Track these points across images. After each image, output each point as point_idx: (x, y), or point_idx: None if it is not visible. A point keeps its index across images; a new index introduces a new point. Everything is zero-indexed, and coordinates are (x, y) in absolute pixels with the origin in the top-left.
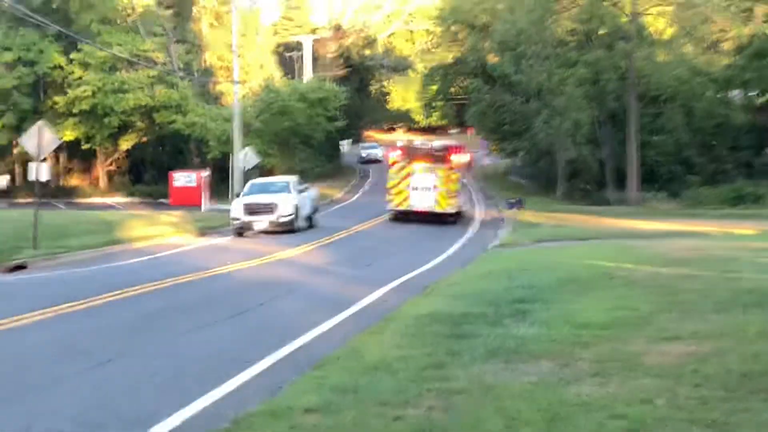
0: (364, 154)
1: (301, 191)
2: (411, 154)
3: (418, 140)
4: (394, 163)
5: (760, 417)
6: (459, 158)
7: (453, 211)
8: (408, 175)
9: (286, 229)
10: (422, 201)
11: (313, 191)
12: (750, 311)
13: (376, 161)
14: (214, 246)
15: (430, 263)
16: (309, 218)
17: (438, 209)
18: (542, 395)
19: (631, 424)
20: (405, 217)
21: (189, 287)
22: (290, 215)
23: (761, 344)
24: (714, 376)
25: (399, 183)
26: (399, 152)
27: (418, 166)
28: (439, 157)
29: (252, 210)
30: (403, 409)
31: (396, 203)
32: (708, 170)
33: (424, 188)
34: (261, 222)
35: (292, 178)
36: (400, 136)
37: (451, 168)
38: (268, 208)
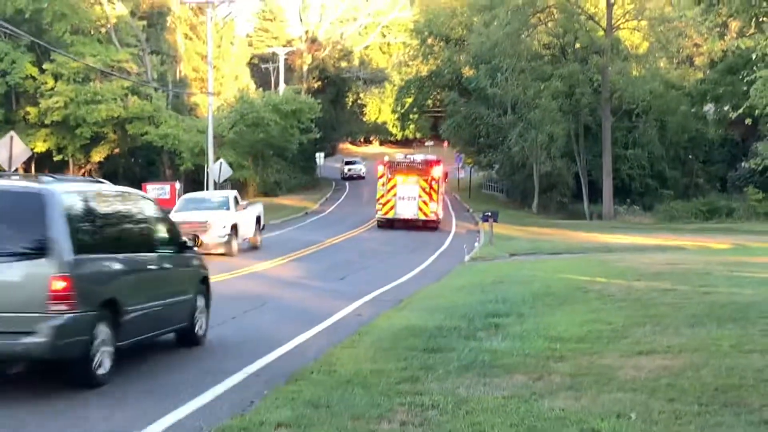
0: (345, 170)
1: (242, 208)
2: (396, 167)
3: (401, 155)
4: (381, 176)
5: (733, 431)
6: (438, 171)
7: (434, 218)
8: (394, 186)
9: (222, 252)
10: (407, 209)
11: (257, 208)
12: (724, 325)
13: (359, 178)
14: None
15: (405, 276)
16: (253, 239)
17: (421, 216)
18: (516, 409)
19: None
20: (390, 224)
21: None
22: (225, 236)
23: (735, 358)
24: (688, 390)
25: (386, 194)
26: (386, 166)
27: (402, 178)
28: (421, 169)
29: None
30: (376, 423)
31: (383, 212)
32: (681, 184)
33: (408, 198)
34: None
35: (232, 193)
36: (376, 149)
37: (432, 179)
38: (200, 228)
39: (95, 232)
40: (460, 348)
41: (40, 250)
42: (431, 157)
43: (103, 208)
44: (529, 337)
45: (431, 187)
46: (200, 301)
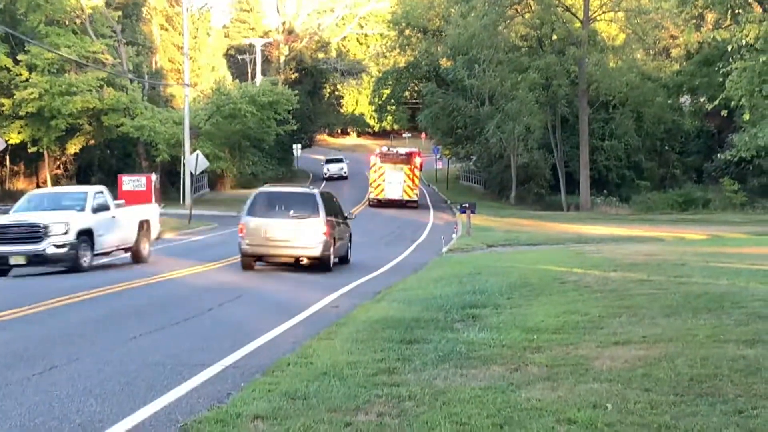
0: (326, 170)
1: (102, 209)
2: (385, 157)
3: (385, 147)
4: (373, 165)
5: (708, 420)
6: (417, 160)
7: (415, 198)
8: (383, 173)
9: (65, 266)
10: (394, 192)
11: (145, 211)
12: (699, 315)
13: (340, 178)
14: (163, 250)
15: (383, 268)
16: (135, 251)
17: (405, 197)
18: (493, 400)
19: (581, 429)
20: (381, 204)
21: (137, 292)
22: (67, 244)
23: (710, 348)
24: (663, 380)
25: (377, 179)
26: (377, 157)
27: (390, 166)
28: (404, 159)
29: (5, 236)
30: (353, 415)
31: (375, 194)
32: (657, 175)
33: (395, 182)
34: (18, 254)
35: (94, 189)
36: (354, 140)
37: (414, 167)
38: (33, 233)
39: (330, 208)
40: (437, 339)
41: (315, 214)
42: (413, 149)
43: (329, 198)
44: (506, 328)
45: (413, 173)
46: (349, 244)
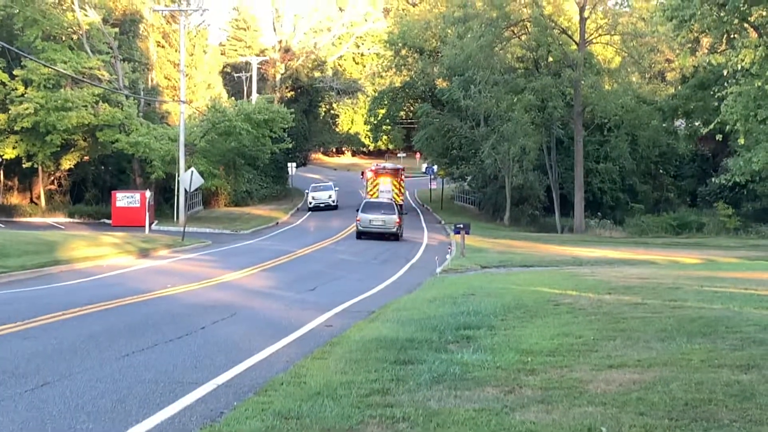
0: (311, 199)
1: None
2: (377, 172)
3: (375, 164)
4: (370, 179)
5: None
6: (402, 174)
7: (401, 203)
8: (377, 184)
9: None
10: (384, 197)
11: None
12: (694, 340)
13: (329, 208)
14: (157, 268)
15: (376, 288)
16: None
17: (396, 202)
18: (487, 422)
19: None
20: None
21: (131, 309)
22: None
23: (705, 373)
24: (658, 404)
25: (372, 189)
26: (372, 172)
27: (383, 179)
28: (392, 173)
29: None
30: None
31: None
32: (652, 198)
33: (386, 191)
34: None
35: None
36: (348, 160)
37: (400, 179)
38: None
39: (398, 209)
40: (431, 360)
41: (394, 213)
42: (398, 166)
43: (398, 205)
44: (500, 350)
45: (399, 183)
46: (402, 228)
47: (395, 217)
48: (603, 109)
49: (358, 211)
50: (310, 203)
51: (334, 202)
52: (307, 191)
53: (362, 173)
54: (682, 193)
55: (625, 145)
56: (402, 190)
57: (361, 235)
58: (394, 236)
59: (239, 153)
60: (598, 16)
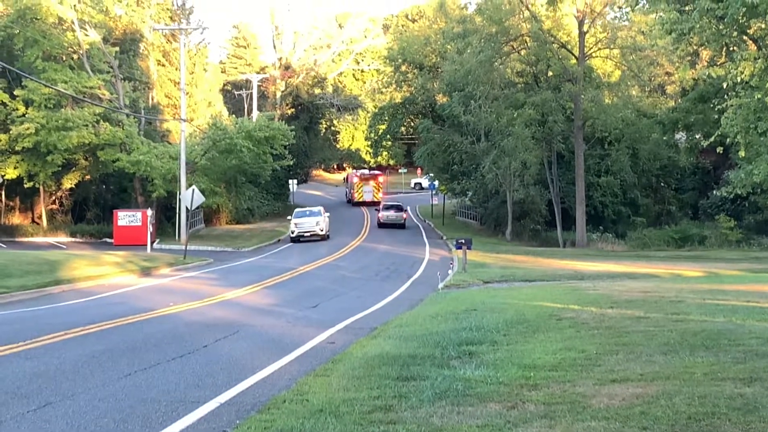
0: (293, 228)
1: None
2: (360, 178)
3: (359, 171)
4: (355, 183)
5: None
6: (380, 179)
7: (379, 200)
8: (362, 186)
9: None
10: (367, 196)
11: None
12: (697, 353)
13: (314, 237)
14: (159, 286)
15: (379, 304)
16: None
17: (375, 199)
18: None
19: None
20: (359, 204)
21: (133, 328)
22: None
23: (708, 386)
24: (661, 418)
25: (358, 190)
26: (356, 178)
27: (365, 182)
28: (372, 177)
29: None
30: None
31: (357, 198)
32: (653, 211)
33: (368, 191)
34: None
35: None
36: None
37: (377, 182)
38: None
39: (403, 208)
40: (433, 376)
41: (404, 211)
42: (376, 172)
43: (401, 206)
44: (502, 365)
45: (378, 185)
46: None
47: (403, 214)
48: (603, 122)
49: (378, 210)
50: (293, 232)
51: (322, 230)
52: (289, 217)
53: (345, 178)
54: (683, 206)
55: (626, 159)
56: (380, 189)
57: (381, 225)
58: (402, 225)
59: (240, 170)
60: (597, 30)
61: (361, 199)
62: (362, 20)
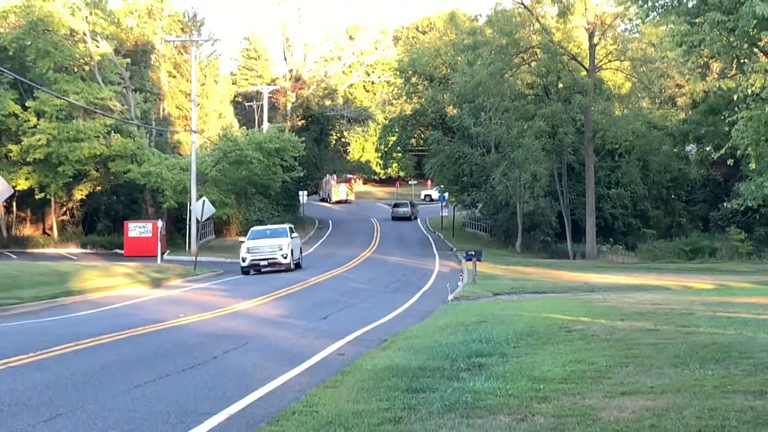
0: (246, 252)
1: None
2: (337, 181)
3: (335, 174)
4: (332, 185)
5: None
6: (352, 182)
7: (352, 199)
8: (338, 186)
9: None
10: (342, 195)
11: None
12: (707, 366)
13: (276, 266)
14: (169, 297)
15: (388, 316)
16: None
17: (348, 198)
18: None
19: None
20: (337, 203)
21: (143, 339)
22: None
23: (718, 399)
24: (671, 431)
25: (335, 190)
26: (333, 181)
27: (340, 184)
28: (346, 180)
29: None
30: None
31: (335, 198)
32: (664, 223)
33: (343, 191)
34: None
35: None
36: (360, 188)
37: (350, 184)
38: None
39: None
40: (443, 388)
41: (409, 207)
42: (350, 176)
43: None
44: (512, 378)
45: (350, 187)
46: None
47: (410, 210)
48: (614, 134)
49: (392, 207)
50: (244, 260)
51: (285, 258)
52: (241, 240)
53: (323, 181)
54: (694, 218)
55: (636, 171)
56: (352, 189)
57: (394, 218)
58: (408, 219)
59: (250, 182)
60: (607, 42)
61: (337, 198)
62: (373, 32)
